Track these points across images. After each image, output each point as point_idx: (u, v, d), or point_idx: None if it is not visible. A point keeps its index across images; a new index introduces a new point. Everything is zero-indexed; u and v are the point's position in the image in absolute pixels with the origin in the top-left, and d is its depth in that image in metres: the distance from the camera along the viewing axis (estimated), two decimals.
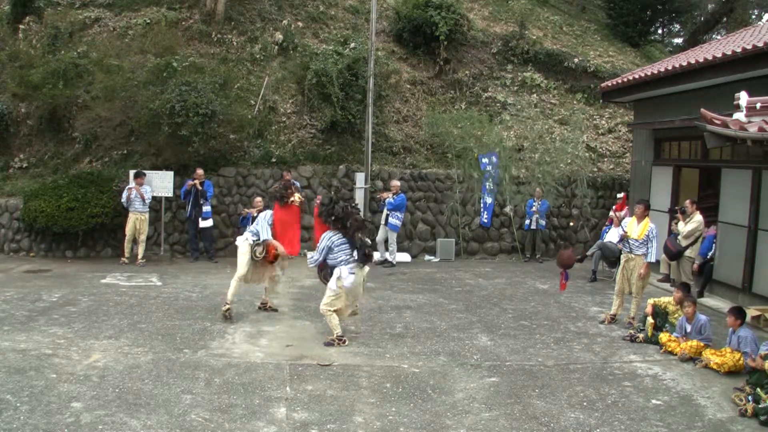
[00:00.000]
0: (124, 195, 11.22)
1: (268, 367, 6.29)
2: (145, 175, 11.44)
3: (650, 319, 7.66)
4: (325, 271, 7.22)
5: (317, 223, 7.59)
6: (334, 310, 7.07)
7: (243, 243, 8.02)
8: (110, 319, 7.73)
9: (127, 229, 11.29)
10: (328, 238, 7.09)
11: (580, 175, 13.33)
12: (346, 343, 7.07)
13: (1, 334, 6.94)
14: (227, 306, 7.88)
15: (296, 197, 8.08)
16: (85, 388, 5.52)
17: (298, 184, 12.05)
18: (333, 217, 7.14)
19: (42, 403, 5.16)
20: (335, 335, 7.07)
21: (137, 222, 11.27)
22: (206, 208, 11.70)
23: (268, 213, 8.15)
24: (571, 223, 13.71)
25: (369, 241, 7.64)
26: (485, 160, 13.37)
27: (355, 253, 7.09)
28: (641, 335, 7.56)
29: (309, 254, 7.48)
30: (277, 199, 8.11)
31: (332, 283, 7.06)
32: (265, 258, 8.02)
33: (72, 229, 11.20)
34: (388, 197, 11.87)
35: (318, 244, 7.22)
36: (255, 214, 11.26)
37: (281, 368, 6.27)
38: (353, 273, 7.04)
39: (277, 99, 14.15)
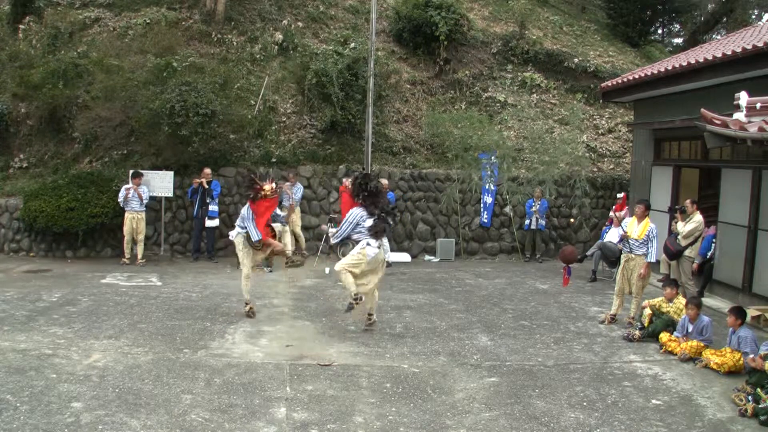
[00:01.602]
0: (122, 195, 11.21)
1: (268, 367, 6.29)
2: (142, 175, 11.43)
3: (648, 310, 7.69)
4: (344, 247, 7.34)
5: (345, 199, 7.67)
6: (350, 272, 7.16)
7: (237, 237, 8.04)
8: (110, 319, 7.73)
9: (125, 229, 11.29)
10: (356, 214, 7.31)
11: (579, 174, 13.31)
12: (362, 299, 7.24)
13: (1, 334, 6.94)
14: (249, 306, 8.07)
15: (266, 189, 7.72)
16: (85, 388, 5.52)
17: (297, 185, 12.14)
18: (366, 192, 7.33)
19: (42, 403, 5.16)
20: (351, 294, 7.18)
21: (134, 221, 11.26)
22: (213, 208, 11.72)
23: (246, 208, 7.90)
24: (572, 220, 13.69)
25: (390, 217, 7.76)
26: (485, 160, 13.35)
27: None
28: (638, 332, 7.57)
29: (332, 230, 7.58)
30: (249, 198, 7.87)
31: (355, 250, 7.27)
32: (263, 247, 8.05)
33: (72, 229, 11.20)
34: None
35: (344, 219, 7.41)
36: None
37: (281, 368, 6.27)
38: (377, 248, 7.23)
39: (277, 99, 14.15)
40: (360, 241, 7.30)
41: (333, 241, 7.82)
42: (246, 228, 7.87)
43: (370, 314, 7.64)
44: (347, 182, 7.87)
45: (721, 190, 10.09)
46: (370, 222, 7.30)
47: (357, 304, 7.25)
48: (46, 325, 7.34)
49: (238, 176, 12.30)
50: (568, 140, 14.31)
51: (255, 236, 7.84)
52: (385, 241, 7.71)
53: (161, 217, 12.19)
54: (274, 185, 7.87)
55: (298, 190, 12.27)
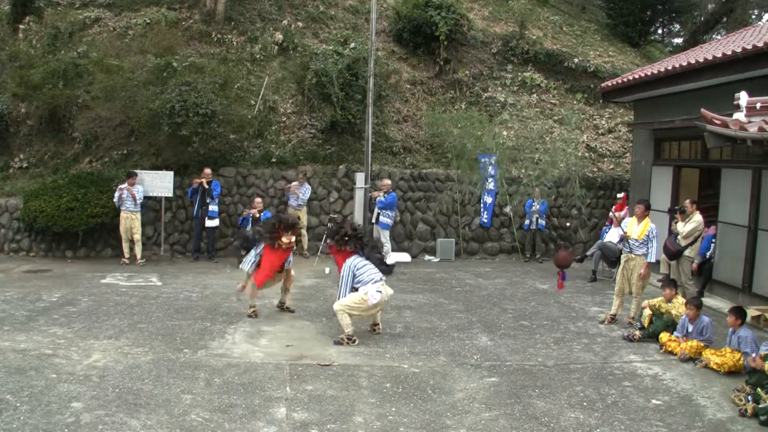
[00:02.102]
0: (116, 195, 11.21)
1: (268, 367, 6.30)
2: (136, 174, 11.43)
3: (647, 311, 7.69)
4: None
5: (334, 251, 7.54)
6: (348, 314, 7.05)
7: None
8: (110, 319, 7.73)
9: (121, 229, 11.31)
10: (349, 265, 7.15)
11: (573, 173, 13.24)
12: (356, 342, 7.06)
13: (1, 334, 6.94)
14: (252, 309, 8.06)
15: (284, 242, 7.63)
16: (85, 388, 5.52)
17: (305, 186, 12.14)
18: (346, 238, 7.20)
19: (42, 403, 5.16)
20: (345, 334, 7.05)
21: (128, 221, 11.26)
22: (213, 208, 11.73)
23: (261, 246, 7.90)
24: (567, 224, 13.63)
25: (385, 250, 7.58)
26: (485, 160, 13.36)
27: (380, 273, 7.17)
28: (638, 332, 7.57)
29: (339, 291, 7.33)
30: (266, 240, 7.78)
31: (356, 294, 7.08)
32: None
33: (72, 229, 11.20)
34: (379, 196, 11.83)
35: (341, 274, 7.24)
36: (257, 215, 11.27)
37: (281, 368, 6.27)
38: (380, 292, 7.05)
39: (277, 99, 14.15)
40: (362, 286, 7.08)
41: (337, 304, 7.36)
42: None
43: (375, 323, 7.58)
44: (331, 242, 7.69)
45: (721, 190, 10.09)
46: (366, 268, 7.12)
47: (348, 344, 7.01)
48: (46, 325, 7.34)
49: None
50: (569, 140, 14.32)
51: (246, 266, 7.87)
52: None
53: (161, 217, 12.19)
54: (293, 239, 7.78)
55: (306, 191, 12.25)
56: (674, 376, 6.41)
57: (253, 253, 7.93)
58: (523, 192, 13.11)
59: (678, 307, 7.54)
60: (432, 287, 10.27)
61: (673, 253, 9.27)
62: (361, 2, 17.22)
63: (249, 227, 10.42)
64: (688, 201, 9.51)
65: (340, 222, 7.44)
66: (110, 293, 9.07)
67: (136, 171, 11.56)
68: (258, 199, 11.79)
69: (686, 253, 9.23)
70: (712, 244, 9.98)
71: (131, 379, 5.76)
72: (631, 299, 8.26)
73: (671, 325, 7.42)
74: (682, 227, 9.27)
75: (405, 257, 12.69)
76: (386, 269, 7.33)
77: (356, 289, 7.12)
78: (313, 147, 13.41)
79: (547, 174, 13.00)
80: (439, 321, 8.21)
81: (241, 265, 7.98)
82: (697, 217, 9.20)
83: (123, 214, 11.25)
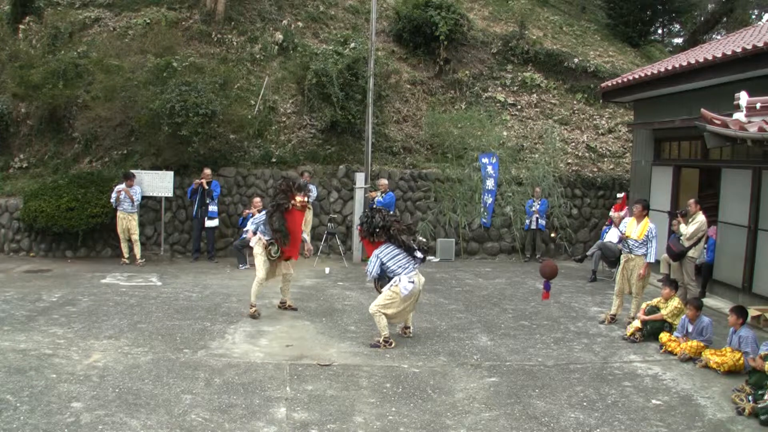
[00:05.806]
0: (113, 196, 11.19)
1: (268, 367, 6.30)
2: (134, 176, 11.39)
3: (638, 321, 7.67)
4: (382, 282, 7.12)
5: (365, 243, 7.50)
6: (384, 313, 6.97)
7: (257, 244, 8.05)
8: (110, 319, 7.73)
9: (118, 229, 11.31)
10: (377, 254, 7.05)
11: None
12: (393, 345, 6.99)
13: (1, 334, 6.94)
14: (253, 309, 8.03)
15: (297, 200, 7.79)
16: (85, 388, 5.52)
17: (310, 186, 12.10)
18: (377, 230, 7.11)
19: (42, 403, 5.16)
20: (382, 337, 6.98)
21: (124, 221, 11.24)
22: (212, 208, 11.72)
23: (264, 213, 8.04)
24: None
25: (423, 240, 7.51)
26: (485, 160, 13.36)
27: (412, 261, 7.05)
28: (639, 333, 7.56)
29: (367, 267, 7.24)
30: (282, 208, 7.81)
31: (386, 288, 7.00)
32: (280, 257, 8.07)
33: (72, 229, 11.19)
34: (377, 196, 11.79)
35: (370, 259, 7.17)
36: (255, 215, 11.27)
37: (281, 368, 6.27)
38: (412, 282, 6.94)
39: (277, 99, 14.15)
40: (394, 277, 6.98)
41: (368, 279, 7.36)
42: (264, 232, 7.92)
43: (407, 327, 7.51)
44: (362, 234, 7.63)
45: (721, 190, 10.09)
46: (396, 258, 6.98)
47: (385, 347, 6.94)
48: (46, 325, 7.34)
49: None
50: (565, 141, 14.30)
51: (269, 234, 7.88)
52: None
53: (161, 217, 12.18)
54: (306, 199, 7.90)
55: (313, 190, 12.18)
56: (674, 376, 6.41)
57: (261, 224, 7.92)
58: (524, 192, 13.10)
59: (671, 307, 7.54)
60: (432, 287, 10.26)
61: (677, 253, 9.25)
62: (361, 2, 17.22)
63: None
64: (691, 201, 9.43)
65: (370, 214, 7.31)
66: (110, 293, 9.07)
67: (133, 172, 11.54)
68: (257, 199, 11.77)
69: (689, 253, 9.21)
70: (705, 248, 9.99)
71: (131, 379, 5.76)
72: (631, 299, 8.26)
73: (666, 321, 7.45)
74: (685, 228, 9.26)
75: None
76: (418, 258, 7.12)
77: (389, 278, 6.97)
78: (313, 147, 13.40)
79: (549, 174, 12.96)
80: (439, 321, 8.21)
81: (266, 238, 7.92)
82: (700, 218, 9.16)
83: (119, 215, 11.23)
